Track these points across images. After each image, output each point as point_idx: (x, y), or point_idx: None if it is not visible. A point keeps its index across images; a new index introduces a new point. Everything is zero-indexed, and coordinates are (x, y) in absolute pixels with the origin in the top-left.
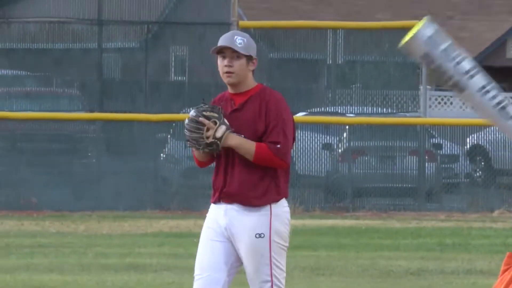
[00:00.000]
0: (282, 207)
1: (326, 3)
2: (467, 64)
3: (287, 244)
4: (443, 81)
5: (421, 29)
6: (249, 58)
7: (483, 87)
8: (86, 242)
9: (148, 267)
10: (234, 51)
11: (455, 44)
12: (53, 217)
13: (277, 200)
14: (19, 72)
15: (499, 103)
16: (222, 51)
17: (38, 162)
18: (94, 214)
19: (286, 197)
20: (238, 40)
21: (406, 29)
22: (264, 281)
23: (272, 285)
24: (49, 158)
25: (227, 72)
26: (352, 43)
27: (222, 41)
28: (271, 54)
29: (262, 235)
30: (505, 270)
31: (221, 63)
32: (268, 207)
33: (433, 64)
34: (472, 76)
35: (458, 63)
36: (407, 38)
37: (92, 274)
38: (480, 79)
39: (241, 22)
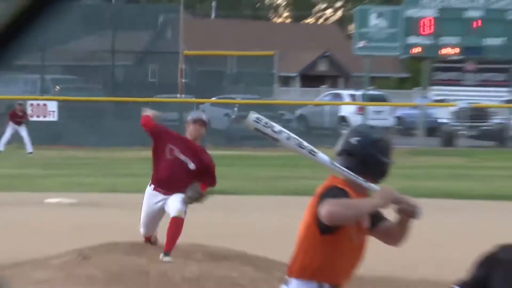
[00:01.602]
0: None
1: None
2: (276, 127)
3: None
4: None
5: (249, 116)
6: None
7: (288, 137)
8: None
9: None
10: (203, 121)
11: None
12: None
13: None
14: None
15: (299, 144)
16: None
17: None
18: None
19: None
20: (204, 116)
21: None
22: None
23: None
24: None
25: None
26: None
27: (196, 115)
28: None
29: None
30: None
31: (194, 127)
32: None
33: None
34: (280, 132)
35: (272, 129)
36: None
37: None
38: (284, 133)
39: (185, 52)
